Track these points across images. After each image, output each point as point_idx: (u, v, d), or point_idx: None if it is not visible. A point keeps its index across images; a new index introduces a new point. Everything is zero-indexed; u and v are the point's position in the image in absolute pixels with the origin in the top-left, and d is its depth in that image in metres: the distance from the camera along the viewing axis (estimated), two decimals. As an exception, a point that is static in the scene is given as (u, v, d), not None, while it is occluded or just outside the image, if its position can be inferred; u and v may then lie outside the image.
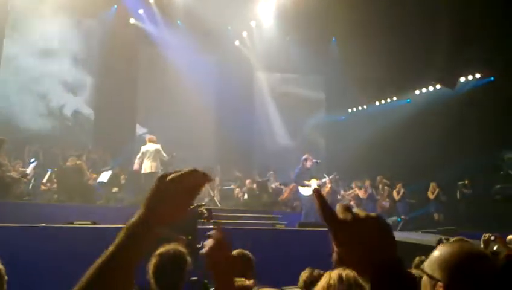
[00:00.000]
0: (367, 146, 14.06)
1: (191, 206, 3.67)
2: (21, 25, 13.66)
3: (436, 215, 11.25)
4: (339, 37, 16.40)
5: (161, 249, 2.87)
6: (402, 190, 11.83)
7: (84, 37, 14.69)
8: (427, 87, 14.83)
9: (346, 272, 2.05)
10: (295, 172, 10.29)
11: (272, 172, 13.16)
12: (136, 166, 10.37)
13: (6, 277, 2.60)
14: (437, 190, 11.52)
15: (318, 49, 16.25)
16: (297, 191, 10.16)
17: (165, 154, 10.62)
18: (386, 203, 11.07)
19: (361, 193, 12.11)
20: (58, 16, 13.38)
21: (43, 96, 13.80)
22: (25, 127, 13.05)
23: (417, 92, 15.15)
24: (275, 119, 16.67)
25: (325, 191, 11.97)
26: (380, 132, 14.06)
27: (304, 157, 9.74)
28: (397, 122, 14.05)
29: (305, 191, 9.42)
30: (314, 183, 9.34)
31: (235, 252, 3.87)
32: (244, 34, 16.52)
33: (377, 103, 16.39)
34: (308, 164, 9.55)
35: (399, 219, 10.61)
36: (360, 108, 17.06)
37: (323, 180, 10.26)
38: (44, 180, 9.89)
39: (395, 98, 15.88)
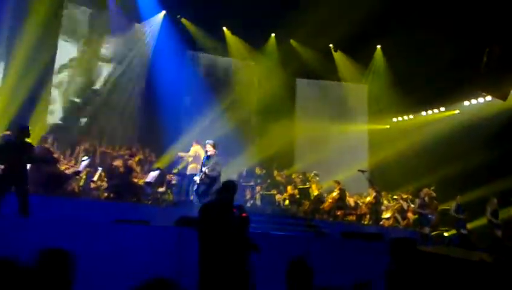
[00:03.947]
0: (412, 156, 13.80)
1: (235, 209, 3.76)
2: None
3: (497, 232, 10.77)
4: (384, 46, 16.23)
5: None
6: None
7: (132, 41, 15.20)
8: (476, 98, 14.42)
9: None
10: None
11: (315, 179, 13.11)
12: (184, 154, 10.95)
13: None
14: (491, 207, 10.97)
15: (362, 57, 16.20)
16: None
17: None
18: (432, 217, 10.80)
19: (405, 205, 11.88)
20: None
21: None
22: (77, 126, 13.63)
23: (466, 103, 14.75)
24: (317, 127, 16.56)
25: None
26: (426, 142, 13.78)
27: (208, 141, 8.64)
28: (445, 133, 13.73)
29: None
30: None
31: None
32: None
33: (424, 113, 16.07)
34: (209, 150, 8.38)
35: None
36: (405, 118, 16.77)
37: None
38: (95, 178, 10.27)
39: (442, 109, 15.52)
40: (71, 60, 13.91)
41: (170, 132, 13.69)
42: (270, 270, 4.78)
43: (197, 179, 8.28)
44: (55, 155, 9.31)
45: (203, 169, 8.15)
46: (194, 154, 10.69)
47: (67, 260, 2.75)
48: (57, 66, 13.34)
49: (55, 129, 12.26)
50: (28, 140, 7.24)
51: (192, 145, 11.16)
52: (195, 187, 8.29)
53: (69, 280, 2.69)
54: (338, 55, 16.83)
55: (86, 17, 14.35)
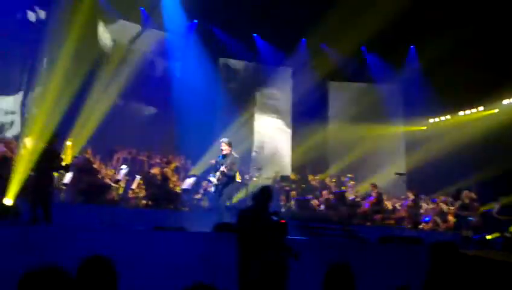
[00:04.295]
0: (451, 158, 13.45)
1: (272, 215, 3.71)
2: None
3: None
4: (418, 45, 15.92)
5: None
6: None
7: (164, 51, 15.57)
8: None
9: None
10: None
11: (350, 183, 13.00)
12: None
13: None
14: None
15: (395, 57, 15.94)
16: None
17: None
18: (473, 219, 10.48)
19: (445, 207, 11.57)
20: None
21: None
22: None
23: (505, 101, 14.27)
24: (351, 130, 16.38)
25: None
26: (465, 143, 13.40)
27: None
28: (484, 133, 13.33)
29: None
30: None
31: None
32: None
33: (461, 113, 15.65)
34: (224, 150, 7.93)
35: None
36: (442, 118, 16.37)
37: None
38: (134, 187, 10.53)
39: (481, 108, 15.07)
40: (107, 71, 14.39)
41: (204, 139, 13.88)
42: (307, 276, 4.76)
43: (213, 179, 8.06)
44: (95, 165, 9.62)
45: (220, 168, 7.87)
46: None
47: (109, 268, 2.80)
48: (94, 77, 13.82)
49: (94, 139, 12.64)
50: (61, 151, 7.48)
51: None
52: (212, 188, 8.06)
53: (111, 288, 2.74)
54: (370, 57, 16.63)
55: (119, 29, 14.83)
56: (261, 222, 4.67)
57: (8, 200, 7.37)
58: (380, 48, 15.84)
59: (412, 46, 16.15)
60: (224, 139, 8.18)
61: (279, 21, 14.62)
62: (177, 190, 10.71)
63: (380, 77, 16.67)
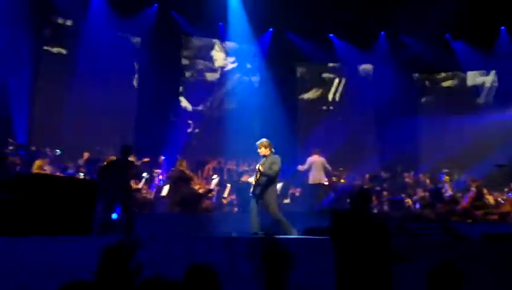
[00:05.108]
0: None
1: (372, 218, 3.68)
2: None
3: None
4: (510, 26, 14.74)
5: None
6: None
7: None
8: None
9: None
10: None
11: (446, 178, 12.34)
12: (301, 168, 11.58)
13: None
14: None
15: (485, 42, 14.88)
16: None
17: (329, 167, 11.62)
18: None
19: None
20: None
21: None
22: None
23: None
24: (443, 122, 15.54)
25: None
26: None
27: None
28: None
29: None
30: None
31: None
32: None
33: None
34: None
35: None
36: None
37: None
38: (225, 195, 10.97)
39: None
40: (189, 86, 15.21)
41: (287, 143, 14.02)
42: (410, 278, 4.61)
43: (251, 180, 7.74)
44: (189, 176, 10.16)
45: (257, 166, 7.55)
46: (309, 164, 11.32)
47: (212, 277, 2.92)
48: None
49: (184, 151, 13.31)
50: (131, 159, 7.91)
51: (310, 155, 11.56)
52: (251, 189, 7.61)
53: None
54: (457, 44, 15.71)
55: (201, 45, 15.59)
56: (362, 225, 4.57)
57: (114, 215, 7.95)
58: (467, 34, 14.93)
59: (502, 28, 15.02)
60: (261, 141, 7.70)
61: (355, 17, 14.38)
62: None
63: (470, 65, 15.70)
